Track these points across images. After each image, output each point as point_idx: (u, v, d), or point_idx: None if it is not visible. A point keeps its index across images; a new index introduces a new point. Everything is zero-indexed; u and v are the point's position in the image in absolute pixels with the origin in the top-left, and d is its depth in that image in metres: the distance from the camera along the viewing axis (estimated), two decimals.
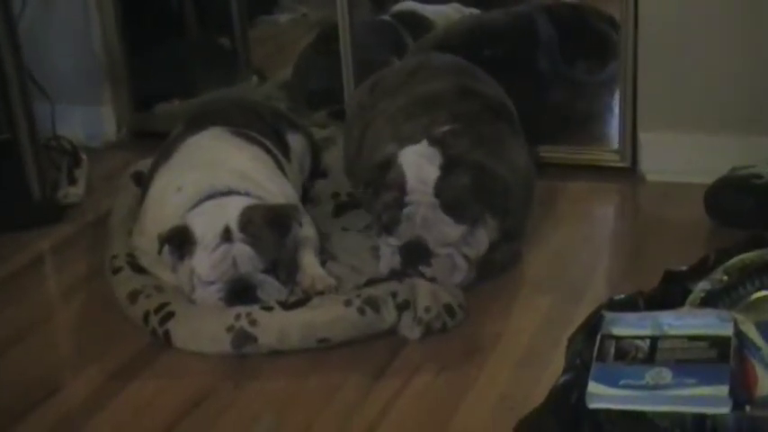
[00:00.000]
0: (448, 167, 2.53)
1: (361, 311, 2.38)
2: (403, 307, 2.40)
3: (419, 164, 2.54)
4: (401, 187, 2.52)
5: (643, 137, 3.15)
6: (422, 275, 2.50)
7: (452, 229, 2.51)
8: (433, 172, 2.52)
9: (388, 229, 2.53)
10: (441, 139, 2.59)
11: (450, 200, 2.50)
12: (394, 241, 2.53)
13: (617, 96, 3.20)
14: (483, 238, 2.56)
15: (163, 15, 3.98)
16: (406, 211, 2.51)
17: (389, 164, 2.57)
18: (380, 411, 2.17)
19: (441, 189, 2.51)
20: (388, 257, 2.54)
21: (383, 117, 2.85)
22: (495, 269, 2.63)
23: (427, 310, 2.40)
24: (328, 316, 2.39)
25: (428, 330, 2.40)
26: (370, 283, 2.51)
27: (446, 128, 2.64)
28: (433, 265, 2.50)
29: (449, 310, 2.42)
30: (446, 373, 2.29)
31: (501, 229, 2.60)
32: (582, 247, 2.83)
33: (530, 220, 2.81)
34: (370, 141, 2.85)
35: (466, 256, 2.53)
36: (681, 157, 3.09)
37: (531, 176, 2.80)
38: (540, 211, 2.91)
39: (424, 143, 2.59)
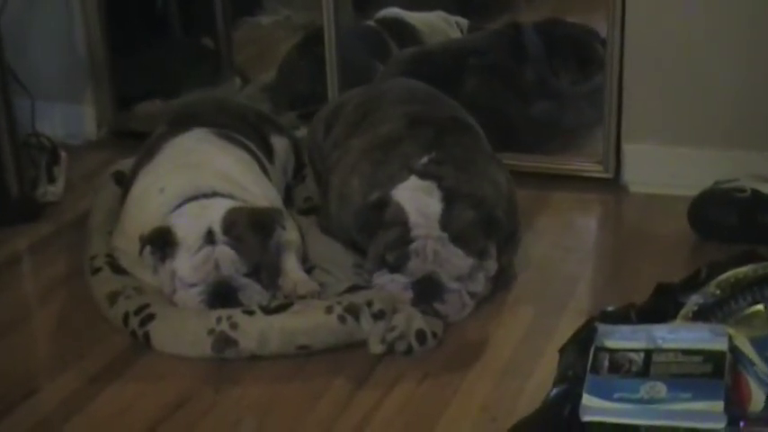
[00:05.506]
0: (449, 200, 2.47)
1: (342, 320, 2.35)
2: (378, 317, 2.36)
3: (418, 198, 2.47)
4: (404, 223, 2.45)
5: (627, 148, 3.15)
6: (436, 312, 2.44)
7: (463, 261, 2.44)
8: (434, 205, 2.46)
9: (396, 267, 2.45)
10: (428, 171, 2.53)
11: (457, 233, 2.44)
12: (402, 278, 2.46)
13: (601, 107, 3.18)
14: (490, 267, 2.52)
15: (146, 15, 3.96)
16: (413, 246, 2.43)
17: (383, 204, 2.49)
18: (362, 420, 2.15)
19: (446, 223, 2.44)
20: (399, 293, 2.45)
21: (345, 168, 2.74)
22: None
23: (392, 329, 2.35)
24: (309, 323, 2.37)
25: (390, 350, 2.35)
26: (352, 289, 2.49)
27: (424, 159, 2.58)
28: (446, 302, 2.45)
29: (420, 335, 2.36)
30: (428, 382, 2.27)
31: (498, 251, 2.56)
32: (564, 257, 2.82)
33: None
34: (337, 194, 2.74)
35: (471, 293, 2.49)
36: (664, 170, 3.10)
37: (512, 187, 2.76)
38: (522, 221, 2.89)
39: (413, 178, 2.52)
